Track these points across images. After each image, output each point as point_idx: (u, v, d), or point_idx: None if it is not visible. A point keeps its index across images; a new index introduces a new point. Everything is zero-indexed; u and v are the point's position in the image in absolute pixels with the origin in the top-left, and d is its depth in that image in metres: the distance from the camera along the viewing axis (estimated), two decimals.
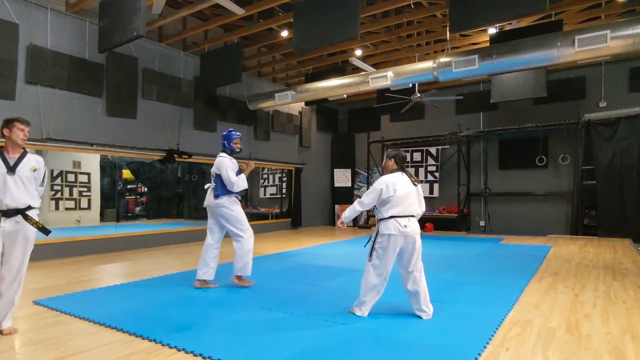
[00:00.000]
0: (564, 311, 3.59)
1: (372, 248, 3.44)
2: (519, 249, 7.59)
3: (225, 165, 4.35)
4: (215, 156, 4.52)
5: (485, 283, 4.70)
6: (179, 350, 2.73)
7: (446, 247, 7.91)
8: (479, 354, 2.63)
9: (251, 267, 4.49)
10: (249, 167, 4.64)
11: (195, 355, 2.65)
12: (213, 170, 4.47)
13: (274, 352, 2.69)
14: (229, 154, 4.53)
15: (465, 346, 2.76)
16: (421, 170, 12.08)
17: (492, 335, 2.96)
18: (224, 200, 4.39)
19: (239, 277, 4.50)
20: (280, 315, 3.49)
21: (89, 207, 9.17)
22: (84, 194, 9.05)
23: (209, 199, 4.45)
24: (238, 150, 4.60)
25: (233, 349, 2.72)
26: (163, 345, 2.83)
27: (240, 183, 4.39)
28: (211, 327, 3.19)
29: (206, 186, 4.54)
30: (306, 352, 2.69)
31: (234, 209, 4.44)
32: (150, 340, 2.91)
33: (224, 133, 4.62)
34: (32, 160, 3.17)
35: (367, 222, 12.90)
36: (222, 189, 4.38)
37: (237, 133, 4.65)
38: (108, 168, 9.16)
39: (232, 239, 4.53)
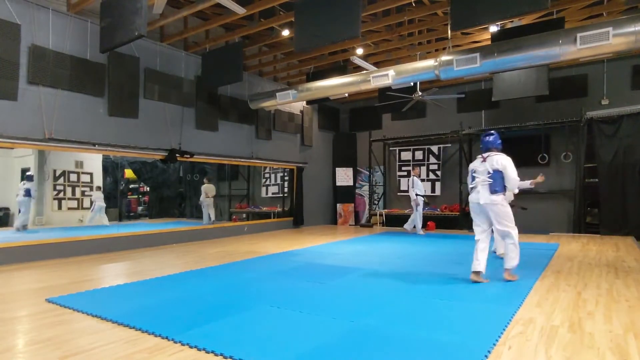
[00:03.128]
0: (567, 309, 3.59)
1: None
2: (525, 247, 7.55)
3: (510, 163, 4.52)
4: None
5: (492, 281, 4.69)
6: (190, 347, 2.74)
7: (450, 245, 7.90)
8: (489, 352, 2.63)
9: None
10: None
11: (206, 352, 2.66)
12: (490, 166, 4.56)
13: (283, 349, 2.69)
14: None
15: (473, 344, 2.75)
16: (423, 169, 12.07)
17: (501, 334, 2.96)
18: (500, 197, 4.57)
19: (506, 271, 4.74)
20: (288, 313, 3.49)
21: (91, 207, 9.20)
22: (86, 193, 9.08)
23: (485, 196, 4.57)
24: None
25: (242, 346, 2.72)
26: (169, 341, 2.85)
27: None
28: (219, 325, 3.19)
29: (474, 182, 4.71)
30: (315, 349, 2.69)
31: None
32: (156, 336, 2.93)
33: (497, 134, 4.79)
34: None
35: (369, 220, 12.90)
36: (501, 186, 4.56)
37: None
38: (110, 168, 9.18)
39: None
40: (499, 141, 4.76)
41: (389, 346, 2.75)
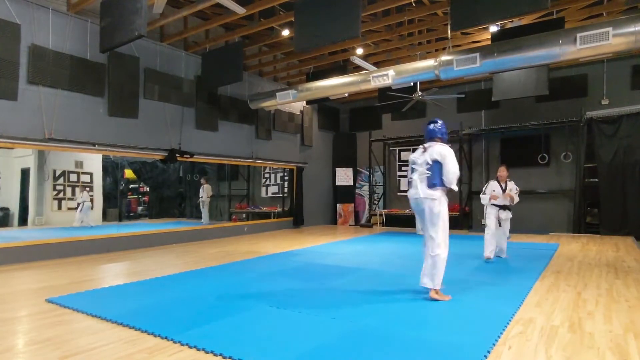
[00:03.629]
0: (567, 309, 3.59)
1: None
2: (525, 247, 7.56)
3: (451, 153, 4.01)
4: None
5: (492, 281, 4.70)
6: (190, 347, 2.75)
7: (450, 245, 7.87)
8: (489, 352, 2.64)
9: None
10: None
11: (206, 352, 2.66)
12: (430, 157, 4.05)
13: (283, 349, 2.70)
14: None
15: (473, 344, 2.76)
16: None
17: (501, 334, 2.96)
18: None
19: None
20: (288, 314, 3.49)
21: (91, 207, 9.18)
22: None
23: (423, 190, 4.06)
24: None
25: (242, 346, 2.73)
26: (169, 341, 2.86)
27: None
28: (219, 325, 3.20)
29: (410, 176, 4.26)
30: (315, 350, 2.70)
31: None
32: (156, 336, 2.94)
33: (440, 122, 4.27)
34: None
35: (369, 220, 12.90)
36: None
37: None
38: (110, 168, 9.17)
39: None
40: (445, 130, 4.29)
41: (388, 346, 2.75)
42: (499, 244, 6.19)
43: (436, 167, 3.98)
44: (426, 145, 4.15)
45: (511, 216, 6.23)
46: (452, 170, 3.93)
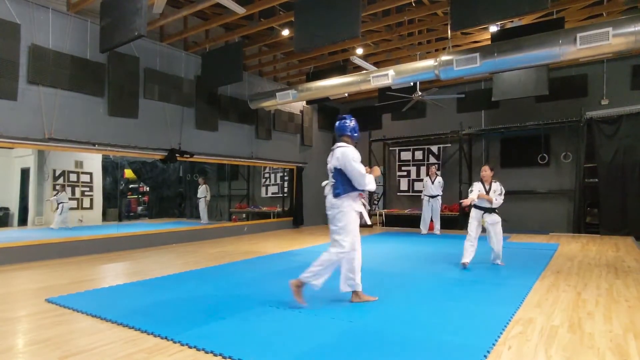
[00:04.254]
0: (567, 309, 3.59)
1: None
2: (525, 247, 7.56)
3: (351, 156, 3.66)
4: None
5: (492, 281, 4.70)
6: (190, 347, 2.75)
7: (450, 245, 7.89)
8: (488, 352, 2.64)
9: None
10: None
11: (206, 352, 2.66)
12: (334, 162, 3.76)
13: (282, 349, 2.70)
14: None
15: (473, 344, 2.76)
16: (422, 169, 12.06)
17: (501, 334, 2.96)
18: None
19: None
20: (287, 314, 3.50)
21: (91, 207, 9.18)
22: (86, 193, 9.06)
23: (329, 199, 3.84)
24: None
25: (241, 346, 2.73)
26: (169, 341, 2.86)
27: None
28: (219, 325, 3.20)
29: (324, 184, 3.98)
30: (314, 350, 2.70)
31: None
32: (156, 336, 2.94)
33: (348, 117, 3.92)
34: None
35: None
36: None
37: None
38: (110, 168, 9.17)
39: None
40: (355, 127, 3.87)
41: (387, 346, 2.75)
42: (494, 250, 5.77)
43: (337, 174, 3.69)
44: (333, 147, 3.82)
45: (499, 219, 5.71)
46: (356, 174, 3.60)
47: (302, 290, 3.69)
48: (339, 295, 4.12)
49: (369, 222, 4.01)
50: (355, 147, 3.80)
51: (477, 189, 5.68)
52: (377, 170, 3.94)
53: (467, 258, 5.51)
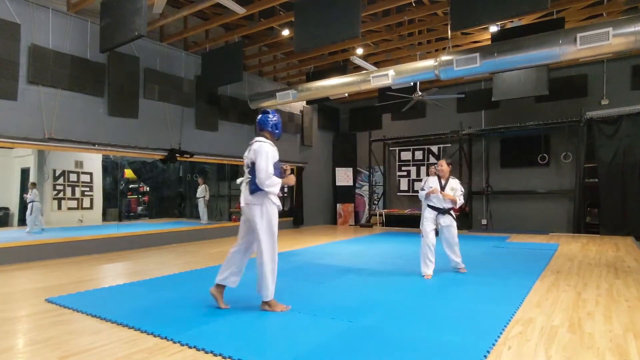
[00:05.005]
0: (566, 309, 3.59)
1: None
2: (525, 247, 7.56)
3: (264, 151, 3.47)
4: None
5: (492, 281, 4.70)
6: (190, 347, 2.75)
7: None
8: (488, 352, 2.64)
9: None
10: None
11: (206, 352, 2.66)
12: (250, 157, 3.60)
13: (282, 349, 2.70)
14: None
15: (473, 344, 2.76)
16: (422, 169, 12.07)
17: (501, 334, 2.96)
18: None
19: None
20: (287, 313, 3.49)
21: (91, 207, 9.19)
22: (86, 193, 9.06)
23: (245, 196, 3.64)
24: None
25: (240, 346, 2.73)
26: (169, 341, 2.86)
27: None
28: (218, 325, 3.20)
29: (239, 181, 3.83)
30: (314, 350, 2.69)
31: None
32: (156, 336, 2.94)
33: (271, 112, 3.77)
34: None
35: (369, 220, 12.90)
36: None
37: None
38: (110, 168, 9.17)
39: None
40: (276, 122, 3.70)
41: (388, 346, 2.75)
42: (451, 256, 5.17)
43: (253, 169, 3.51)
44: (252, 142, 3.64)
45: (454, 222, 5.09)
46: (260, 168, 3.40)
47: (274, 302, 3.56)
48: (339, 296, 4.12)
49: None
50: (275, 143, 3.63)
51: (430, 184, 5.07)
52: (292, 178, 3.75)
53: (429, 269, 4.93)
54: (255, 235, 3.53)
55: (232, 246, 3.70)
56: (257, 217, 3.49)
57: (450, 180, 5.08)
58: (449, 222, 5.04)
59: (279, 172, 3.59)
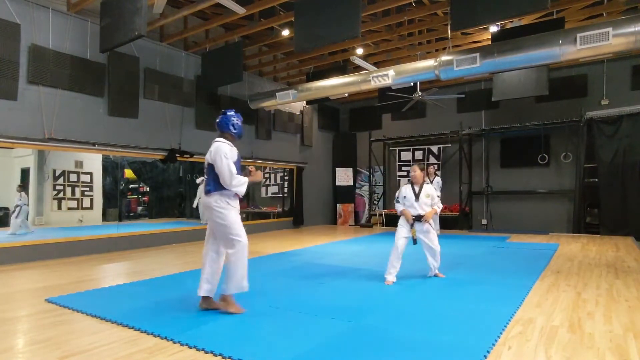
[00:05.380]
0: (566, 309, 3.59)
1: None
2: (525, 247, 7.56)
3: (222, 152, 3.45)
4: None
5: (492, 281, 4.70)
6: (190, 347, 2.75)
7: (450, 245, 7.89)
8: (488, 352, 2.64)
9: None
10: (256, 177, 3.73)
11: (206, 352, 2.66)
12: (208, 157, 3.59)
13: (282, 349, 2.70)
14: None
15: (473, 344, 2.76)
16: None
17: (501, 334, 2.96)
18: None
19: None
20: (287, 313, 3.50)
21: (91, 207, 9.19)
22: (86, 193, 9.07)
23: (203, 197, 3.64)
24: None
25: (240, 346, 2.73)
26: (169, 341, 2.86)
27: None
28: (219, 325, 3.20)
29: (198, 180, 3.93)
30: (314, 350, 2.70)
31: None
32: (156, 336, 2.94)
33: (229, 112, 3.75)
34: None
35: (369, 220, 12.90)
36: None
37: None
38: (110, 168, 9.17)
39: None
40: (235, 121, 3.66)
41: (388, 346, 2.75)
42: (430, 261, 4.92)
43: (210, 170, 3.50)
44: (213, 142, 3.60)
45: (432, 229, 4.84)
46: (222, 170, 3.38)
47: (233, 301, 3.51)
48: (339, 296, 4.12)
49: None
50: (234, 144, 3.61)
51: (403, 194, 4.86)
52: (259, 174, 3.75)
53: (391, 275, 4.69)
54: (222, 236, 3.51)
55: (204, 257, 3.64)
56: (216, 218, 3.47)
57: (425, 186, 4.82)
58: (426, 229, 4.78)
59: (240, 171, 3.57)
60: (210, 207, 3.49)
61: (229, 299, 3.50)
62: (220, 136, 3.65)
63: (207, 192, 3.50)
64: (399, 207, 4.86)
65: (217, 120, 3.69)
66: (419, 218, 4.75)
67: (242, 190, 3.50)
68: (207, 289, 3.58)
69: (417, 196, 4.77)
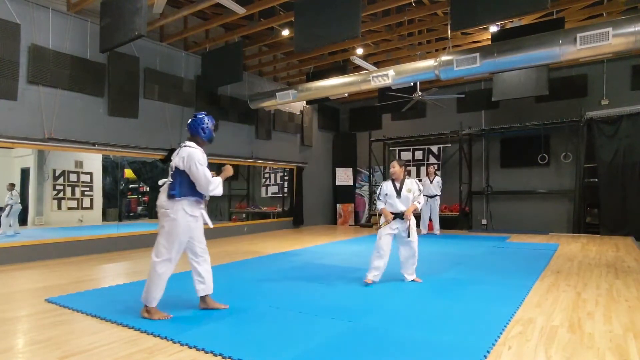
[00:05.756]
0: (566, 309, 3.59)
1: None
2: (525, 247, 7.56)
3: (196, 158, 3.41)
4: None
5: (492, 281, 4.70)
6: (190, 347, 2.75)
7: (450, 245, 7.90)
8: (488, 352, 2.64)
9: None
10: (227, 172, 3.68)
11: (205, 352, 2.66)
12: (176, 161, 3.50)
13: (282, 349, 2.70)
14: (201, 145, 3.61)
15: (473, 344, 2.76)
16: (422, 169, 12.06)
17: (501, 334, 2.96)
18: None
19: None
20: (287, 313, 3.50)
21: (91, 207, 9.19)
22: (86, 193, 9.06)
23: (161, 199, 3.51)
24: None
25: (241, 346, 2.73)
26: (169, 341, 2.86)
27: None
28: (218, 325, 3.21)
29: (161, 181, 3.71)
30: (314, 349, 2.70)
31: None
32: (155, 336, 2.94)
33: (200, 115, 3.68)
34: None
35: (369, 220, 12.89)
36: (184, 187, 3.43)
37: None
38: (110, 168, 9.17)
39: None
40: (205, 125, 3.60)
41: (388, 346, 2.75)
42: (404, 264, 4.73)
43: (178, 174, 3.42)
44: (181, 145, 3.56)
45: (413, 225, 4.66)
46: (198, 177, 3.34)
47: (153, 310, 3.41)
48: (339, 296, 4.12)
49: (211, 225, 3.59)
50: (203, 148, 3.58)
51: (385, 191, 4.70)
52: (229, 168, 3.68)
53: (374, 276, 4.59)
54: (158, 241, 3.42)
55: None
56: (167, 221, 3.38)
57: (406, 181, 4.67)
58: (408, 227, 4.60)
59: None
60: (166, 209, 3.40)
61: (152, 309, 3.40)
62: (191, 139, 3.59)
63: (171, 196, 3.38)
64: (379, 205, 4.72)
65: (188, 123, 3.64)
66: (401, 215, 4.61)
67: (219, 191, 3.47)
68: (202, 288, 3.60)
69: (398, 192, 4.64)
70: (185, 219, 3.40)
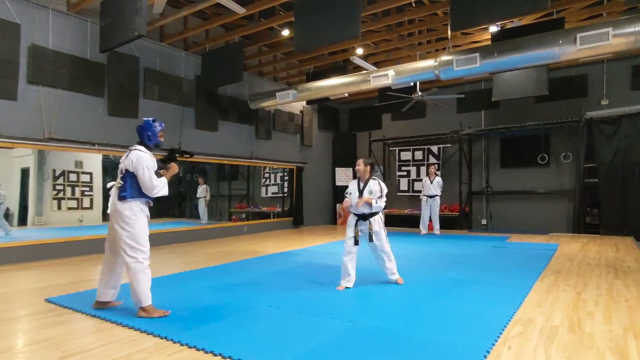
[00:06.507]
0: (566, 309, 3.59)
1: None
2: (525, 247, 7.56)
3: (144, 161, 3.50)
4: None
5: (492, 281, 4.70)
6: (190, 347, 2.75)
7: (450, 245, 7.90)
8: (488, 352, 2.64)
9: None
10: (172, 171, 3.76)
11: (205, 352, 2.66)
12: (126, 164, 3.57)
13: (282, 349, 2.70)
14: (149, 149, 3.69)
15: (473, 344, 2.76)
16: (422, 169, 12.06)
17: (501, 334, 2.97)
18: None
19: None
20: (287, 313, 3.50)
21: (91, 207, 9.20)
22: (86, 193, 9.08)
23: (112, 202, 3.64)
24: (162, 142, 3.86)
25: (241, 346, 2.73)
26: (169, 341, 2.86)
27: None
28: (218, 325, 3.20)
29: (109, 184, 3.78)
30: (314, 349, 2.70)
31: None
32: (155, 336, 2.94)
33: (146, 121, 3.80)
34: None
35: None
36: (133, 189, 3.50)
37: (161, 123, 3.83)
38: (110, 168, 9.18)
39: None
40: (153, 131, 3.73)
41: (388, 346, 2.75)
42: (381, 266, 4.62)
43: (127, 176, 3.50)
44: (131, 147, 3.65)
45: (380, 227, 4.45)
46: (144, 181, 3.44)
47: (151, 308, 3.41)
48: (339, 296, 4.12)
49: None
50: (152, 152, 3.67)
51: (350, 189, 4.56)
52: (174, 166, 3.79)
53: (347, 281, 4.41)
54: (121, 246, 3.45)
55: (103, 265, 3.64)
56: (124, 224, 3.45)
57: (370, 181, 4.46)
58: (376, 229, 4.41)
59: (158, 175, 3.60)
60: (119, 212, 3.46)
61: (148, 308, 3.40)
62: (139, 143, 3.70)
63: (122, 198, 3.46)
64: (345, 203, 4.52)
65: (137, 127, 3.77)
66: (362, 217, 4.42)
67: (165, 191, 3.57)
68: (112, 293, 3.65)
69: (360, 192, 4.42)
70: (143, 215, 3.55)
